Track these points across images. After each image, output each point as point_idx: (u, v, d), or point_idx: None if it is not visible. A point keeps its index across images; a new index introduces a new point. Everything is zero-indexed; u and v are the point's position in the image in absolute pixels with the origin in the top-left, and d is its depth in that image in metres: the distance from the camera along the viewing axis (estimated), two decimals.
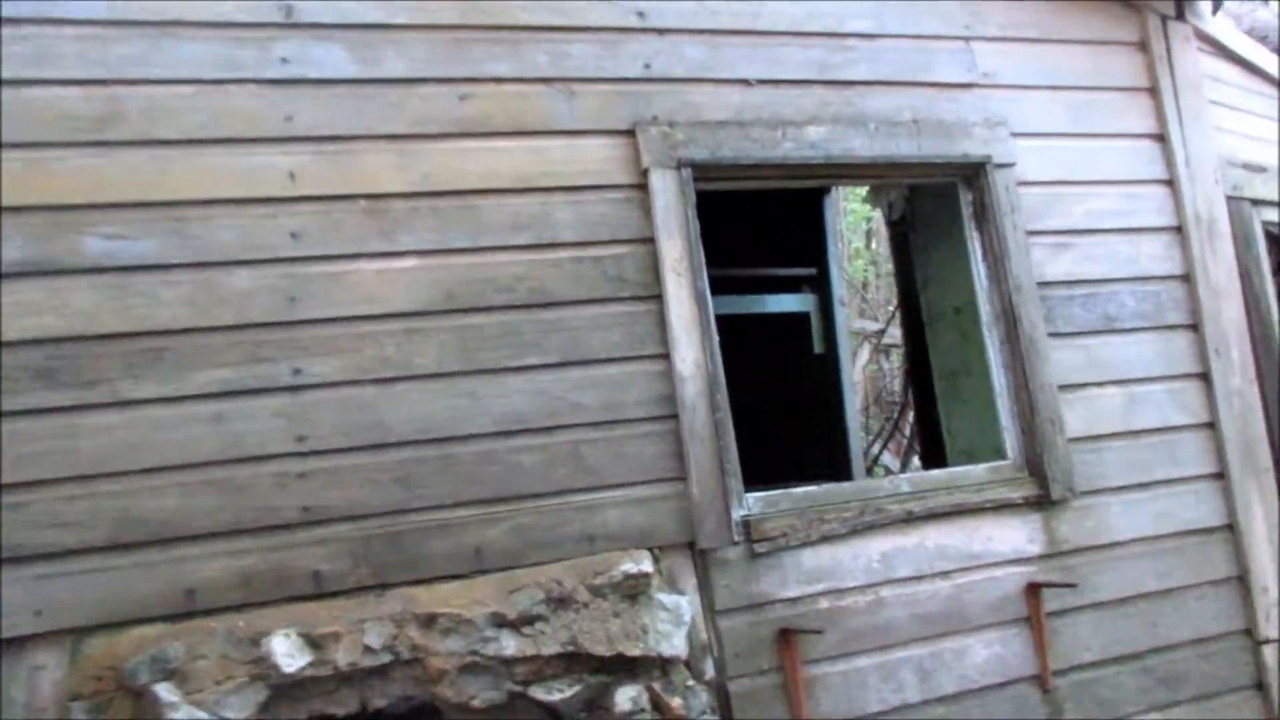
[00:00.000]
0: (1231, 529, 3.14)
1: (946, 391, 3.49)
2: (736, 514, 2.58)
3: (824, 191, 5.09)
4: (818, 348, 5.18)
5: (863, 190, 7.79)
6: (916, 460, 6.71)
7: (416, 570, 2.34)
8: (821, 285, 5.29)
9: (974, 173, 3.10)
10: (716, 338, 2.69)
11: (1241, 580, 3.13)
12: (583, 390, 2.56)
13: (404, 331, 2.46)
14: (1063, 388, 3.02)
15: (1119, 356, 3.13)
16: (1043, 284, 3.07)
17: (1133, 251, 3.23)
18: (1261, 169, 3.44)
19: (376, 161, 2.51)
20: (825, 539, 2.66)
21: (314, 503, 2.30)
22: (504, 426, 2.49)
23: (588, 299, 2.61)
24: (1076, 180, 3.21)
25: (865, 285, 9.77)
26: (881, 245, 9.45)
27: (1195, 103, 3.36)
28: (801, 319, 5.22)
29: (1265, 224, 3.44)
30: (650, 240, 2.68)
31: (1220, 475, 3.17)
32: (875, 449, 8.27)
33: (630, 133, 2.72)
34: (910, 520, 2.76)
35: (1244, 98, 3.62)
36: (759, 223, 5.18)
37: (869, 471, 8.80)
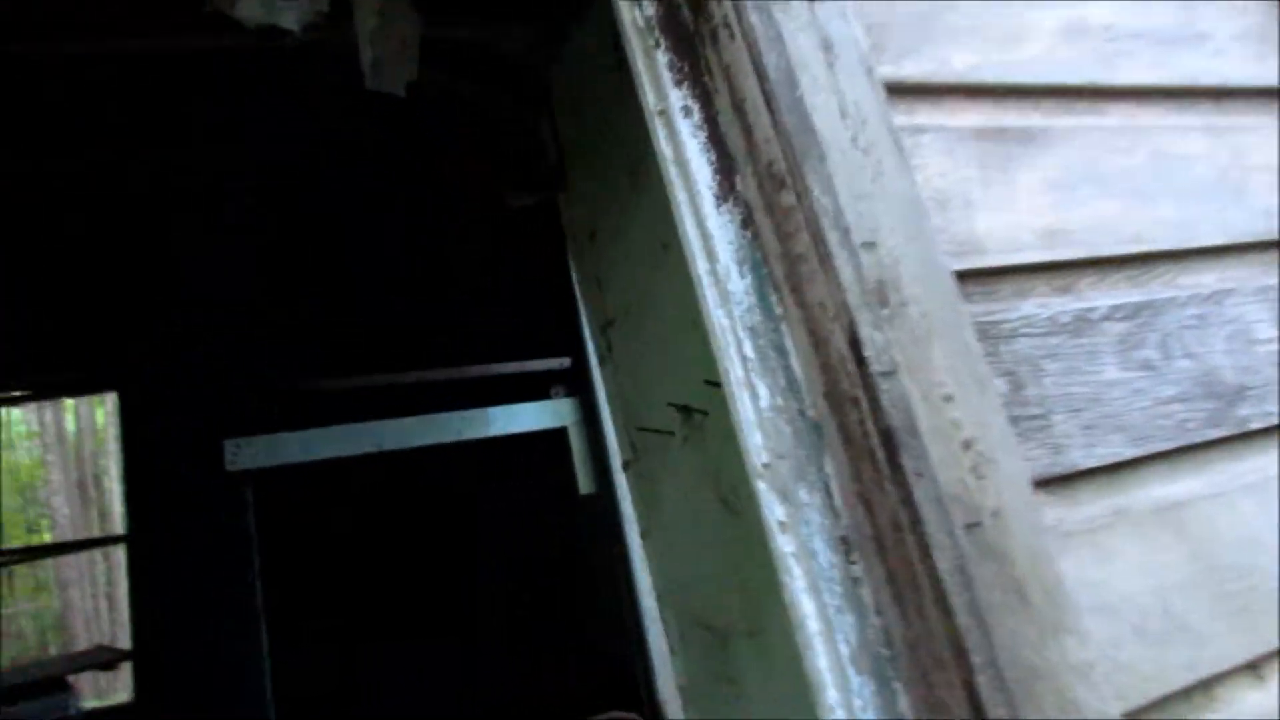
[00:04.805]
0: None
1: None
2: None
3: (553, 222, 2.84)
4: (584, 486, 3.17)
5: None
6: None
7: None
8: (582, 384, 3.24)
9: None
10: None
11: None
12: None
13: None
14: None
15: None
16: (967, 275, 0.77)
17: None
18: None
19: None
20: None
21: None
22: None
23: None
24: None
25: None
26: None
27: None
28: (554, 440, 3.19)
29: None
30: None
31: None
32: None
33: None
34: None
35: None
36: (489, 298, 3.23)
37: None
